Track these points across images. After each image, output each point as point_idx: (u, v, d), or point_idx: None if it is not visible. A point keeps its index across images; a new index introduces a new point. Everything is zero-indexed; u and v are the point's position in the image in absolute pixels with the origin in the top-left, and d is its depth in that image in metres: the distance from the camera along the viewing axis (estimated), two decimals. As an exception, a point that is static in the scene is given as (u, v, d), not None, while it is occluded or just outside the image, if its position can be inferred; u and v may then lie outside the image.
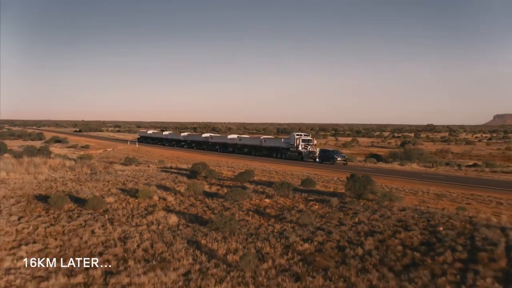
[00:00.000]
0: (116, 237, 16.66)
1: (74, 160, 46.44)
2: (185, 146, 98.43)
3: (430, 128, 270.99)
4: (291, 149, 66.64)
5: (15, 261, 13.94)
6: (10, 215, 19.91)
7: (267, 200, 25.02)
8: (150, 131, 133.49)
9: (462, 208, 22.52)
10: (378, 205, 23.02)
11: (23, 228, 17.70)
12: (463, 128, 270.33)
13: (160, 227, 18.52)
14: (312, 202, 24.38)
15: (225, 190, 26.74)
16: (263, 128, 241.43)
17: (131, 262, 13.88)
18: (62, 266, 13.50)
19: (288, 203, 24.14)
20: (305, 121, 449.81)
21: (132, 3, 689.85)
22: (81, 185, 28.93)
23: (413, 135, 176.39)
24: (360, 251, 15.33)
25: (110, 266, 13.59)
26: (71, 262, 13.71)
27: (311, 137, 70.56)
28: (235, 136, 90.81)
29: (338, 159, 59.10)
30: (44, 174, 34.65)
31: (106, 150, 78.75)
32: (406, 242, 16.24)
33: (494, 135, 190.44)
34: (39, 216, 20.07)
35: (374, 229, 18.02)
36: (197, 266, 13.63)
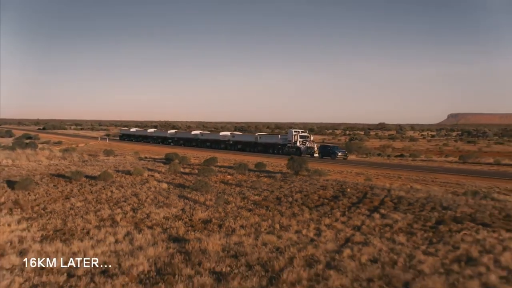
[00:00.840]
0: (130, 194, 24.30)
1: (61, 152, 53.25)
2: (172, 144, 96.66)
3: (381, 126, 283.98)
4: (288, 145, 68.36)
5: (71, 204, 21.47)
6: (47, 184, 27.30)
7: (229, 176, 32.97)
8: (133, 129, 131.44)
9: (369, 179, 31.29)
10: (310, 178, 31.43)
11: (62, 190, 25.16)
12: (415, 126, 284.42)
13: (157, 189, 26.25)
14: (262, 177, 32.57)
15: (197, 171, 34.64)
16: (221, 126, 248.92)
17: (146, 204, 21.59)
18: (102, 206, 21.14)
19: (245, 178, 32.18)
20: (263, 119, 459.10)
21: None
22: (81, 168, 36.23)
23: (363, 133, 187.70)
24: (290, 199, 23.46)
25: (134, 206, 21.30)
26: (108, 205, 21.41)
27: (308, 133, 72.85)
28: (227, 133, 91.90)
29: (339, 154, 61.08)
30: (44, 161, 41.53)
31: (78, 146, 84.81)
32: (322, 195, 24.48)
33: (441, 132, 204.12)
34: (67, 184, 27.52)
35: (302, 190, 26.20)
36: (188, 206, 21.38)
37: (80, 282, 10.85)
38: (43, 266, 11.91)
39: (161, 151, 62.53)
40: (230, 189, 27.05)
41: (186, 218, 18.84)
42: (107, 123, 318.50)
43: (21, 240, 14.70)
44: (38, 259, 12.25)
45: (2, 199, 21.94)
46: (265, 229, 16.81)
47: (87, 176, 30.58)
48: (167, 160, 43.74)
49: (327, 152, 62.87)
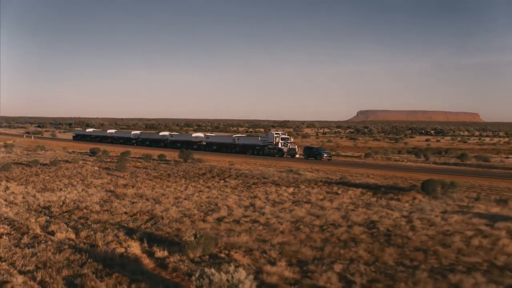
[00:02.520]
0: (75, 173, 36.98)
1: (5, 147, 63.71)
2: (135, 145, 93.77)
3: (284, 124, 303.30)
4: (269, 146, 69.44)
5: (42, 178, 34.10)
6: (16, 168, 39.46)
7: (139, 163, 46.42)
8: (90, 129, 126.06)
9: (232, 163, 46.05)
10: (193, 164, 45.66)
11: (30, 171, 37.47)
12: (323, 123, 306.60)
13: (91, 170, 39.18)
14: (162, 163, 46.33)
15: (116, 160, 47.79)
16: (133, 124, 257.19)
17: (88, 177, 34.46)
18: (61, 179, 33.92)
19: (149, 165, 45.76)
20: (173, 116, 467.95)
21: None
22: (30, 158, 48.03)
23: (263, 130, 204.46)
24: (176, 174, 37.36)
25: (81, 178, 34.26)
26: (65, 178, 34.27)
27: (288, 135, 76.03)
28: (200, 134, 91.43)
29: (324, 155, 62.77)
30: (-4, 155, 52.69)
31: (6, 142, 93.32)
32: (196, 173, 38.64)
33: (335, 129, 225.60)
34: (30, 168, 39.72)
35: (185, 170, 40.29)
36: (113, 178, 34.59)
37: (69, 207, 24.03)
38: (48, 200, 24.98)
39: (85, 146, 73.76)
40: (139, 170, 40.50)
41: (113, 183, 32.07)
42: (21, 120, 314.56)
43: (27, 192, 27.52)
44: (43, 199, 25.32)
45: (-7, 177, 34.21)
46: (158, 188, 30.63)
47: (40, 164, 42.80)
48: (92, 153, 56.14)
49: (312, 153, 64.44)
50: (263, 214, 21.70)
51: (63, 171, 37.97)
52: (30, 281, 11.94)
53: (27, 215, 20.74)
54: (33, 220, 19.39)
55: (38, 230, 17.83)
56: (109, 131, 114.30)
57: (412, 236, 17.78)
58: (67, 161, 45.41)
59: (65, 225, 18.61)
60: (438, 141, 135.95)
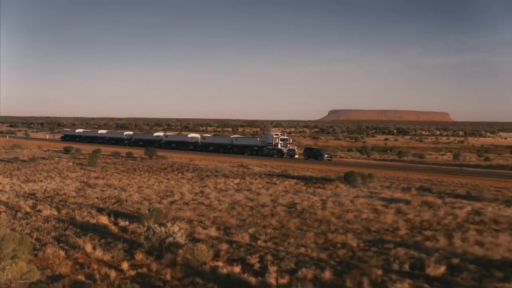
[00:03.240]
0: (52, 167, 41.32)
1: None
2: (128, 145, 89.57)
3: (252, 123, 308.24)
4: (268, 147, 69.21)
5: (24, 172, 38.44)
6: (-2, 164, 43.60)
7: (108, 160, 50.95)
8: (79, 130, 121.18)
9: (192, 160, 51.05)
10: (157, 160, 50.47)
11: (12, 166, 41.72)
12: (293, 123, 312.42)
13: (66, 165, 43.60)
14: (129, 160, 51.00)
15: (88, 157, 52.20)
16: (104, 123, 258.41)
17: (64, 171, 38.96)
18: (41, 172, 38.31)
19: (118, 161, 50.32)
20: (143, 116, 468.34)
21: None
22: (9, 156, 52.03)
23: (231, 130, 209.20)
24: (141, 169, 42.17)
25: (57, 172, 38.69)
26: (44, 172, 38.68)
27: (287, 136, 76.38)
28: (196, 134, 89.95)
29: (325, 156, 62.60)
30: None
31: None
32: (159, 167, 43.47)
33: (302, 129, 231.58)
34: (11, 164, 43.86)
35: (150, 165, 45.11)
36: (85, 172, 39.10)
37: (50, 193, 28.60)
38: (32, 189, 29.50)
39: (58, 145, 77.46)
40: (108, 165, 45.13)
41: (86, 176, 36.62)
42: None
43: (13, 183, 31.92)
44: (27, 187, 29.86)
45: (-21, 171, 38.38)
46: (124, 179, 35.37)
47: (20, 160, 46.94)
48: (66, 151, 60.28)
49: (313, 154, 63.97)
50: (209, 198, 26.80)
51: (41, 166, 42.26)
52: (28, 238, 16.75)
53: (16, 199, 25.34)
54: (22, 203, 24.04)
55: (28, 209, 22.53)
56: (100, 131, 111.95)
57: (319, 212, 23.13)
58: (44, 158, 49.59)
59: (49, 206, 23.34)
60: (396, 140, 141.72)
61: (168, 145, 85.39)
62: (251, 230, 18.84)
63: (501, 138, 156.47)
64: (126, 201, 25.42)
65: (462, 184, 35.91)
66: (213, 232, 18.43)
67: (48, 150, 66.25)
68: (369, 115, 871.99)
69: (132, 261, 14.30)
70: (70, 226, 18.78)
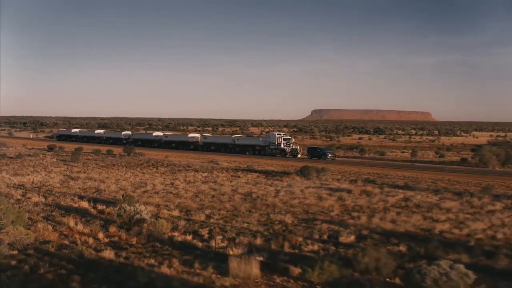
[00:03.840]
0: (38, 163, 44.40)
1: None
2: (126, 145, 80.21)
3: (233, 122, 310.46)
4: (271, 146, 68.49)
5: (12, 167, 41.59)
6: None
7: (90, 156, 54.20)
8: (75, 130, 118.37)
9: (167, 156, 54.55)
10: (135, 157, 53.89)
11: (1, 163, 44.87)
12: (276, 122, 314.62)
13: (50, 161, 46.74)
14: (109, 157, 54.32)
15: (70, 154, 55.40)
16: (86, 123, 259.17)
17: (48, 166, 42.09)
18: (28, 167, 41.52)
19: (99, 157, 53.60)
20: (125, 115, 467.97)
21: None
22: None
23: (210, 129, 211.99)
24: (119, 164, 45.58)
25: (43, 167, 41.92)
26: (31, 167, 41.92)
27: (290, 135, 76.64)
28: (196, 134, 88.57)
29: (329, 155, 62.02)
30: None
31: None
32: (137, 163, 46.98)
33: (280, 129, 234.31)
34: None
35: (128, 161, 48.53)
36: (68, 167, 42.27)
37: (37, 185, 31.91)
38: (21, 181, 32.77)
39: (42, 144, 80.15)
40: (90, 161, 48.44)
41: (69, 170, 39.82)
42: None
43: (3, 176, 35.06)
44: (16, 180, 33.13)
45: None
46: (103, 173, 38.72)
47: (8, 157, 49.99)
48: (50, 149, 63.27)
49: (317, 153, 63.20)
50: (177, 188, 30.41)
51: (28, 162, 45.37)
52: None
53: (8, 189, 28.62)
54: (13, 192, 27.38)
55: (19, 196, 25.90)
56: (97, 131, 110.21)
57: (270, 199, 26.91)
58: (29, 155, 52.62)
59: (37, 194, 26.74)
60: (370, 139, 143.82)
61: (167, 144, 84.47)
62: (207, 212, 22.56)
63: (473, 137, 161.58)
64: (104, 190, 28.91)
65: (405, 177, 40.05)
66: (175, 213, 22.07)
67: (33, 148, 68.96)
68: (352, 114, 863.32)
69: (107, 233, 17.87)
70: (56, 209, 22.26)
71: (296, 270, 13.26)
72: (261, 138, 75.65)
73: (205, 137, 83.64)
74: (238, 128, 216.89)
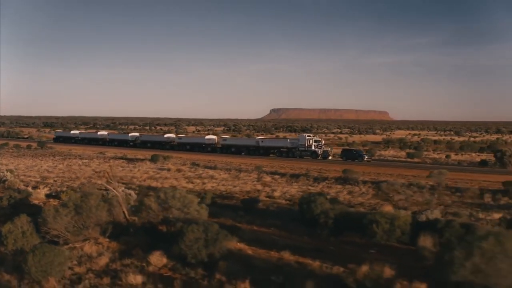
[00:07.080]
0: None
1: None
2: (134, 147, 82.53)
3: (177, 122, 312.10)
4: (300, 148, 64.94)
5: (4, 162, 53.08)
6: None
7: (11, 150, 65.79)
8: (75, 131, 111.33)
9: (70, 150, 67.02)
10: (47, 149, 66.20)
11: None
12: (233, 122, 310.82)
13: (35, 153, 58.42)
14: (25, 150, 66.29)
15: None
16: (61, 122, 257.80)
17: (36, 160, 54.09)
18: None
19: (16, 150, 65.35)
20: (69, 114, 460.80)
21: None
22: None
23: (148, 128, 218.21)
24: (28, 154, 57.84)
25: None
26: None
27: (319, 137, 72.68)
28: (213, 137, 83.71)
29: (366, 157, 57.80)
30: None
31: None
32: (45, 154, 59.27)
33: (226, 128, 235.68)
34: None
35: (37, 153, 60.73)
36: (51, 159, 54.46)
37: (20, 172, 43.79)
38: (12, 169, 44.19)
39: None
40: (7, 153, 60.30)
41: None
42: None
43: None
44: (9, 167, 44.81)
45: None
46: (12, 160, 50.76)
47: None
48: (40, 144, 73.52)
49: (352, 155, 59.03)
50: (55, 168, 43.29)
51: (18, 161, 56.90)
52: None
53: None
54: None
55: None
56: (99, 132, 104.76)
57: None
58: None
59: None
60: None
61: (182, 147, 79.48)
62: (56, 178, 35.75)
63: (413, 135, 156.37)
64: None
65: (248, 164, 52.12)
66: (35, 178, 35.16)
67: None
68: (310, 113, 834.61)
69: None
70: None
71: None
72: (288, 140, 71.52)
73: (225, 139, 79.05)
74: (173, 128, 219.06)
